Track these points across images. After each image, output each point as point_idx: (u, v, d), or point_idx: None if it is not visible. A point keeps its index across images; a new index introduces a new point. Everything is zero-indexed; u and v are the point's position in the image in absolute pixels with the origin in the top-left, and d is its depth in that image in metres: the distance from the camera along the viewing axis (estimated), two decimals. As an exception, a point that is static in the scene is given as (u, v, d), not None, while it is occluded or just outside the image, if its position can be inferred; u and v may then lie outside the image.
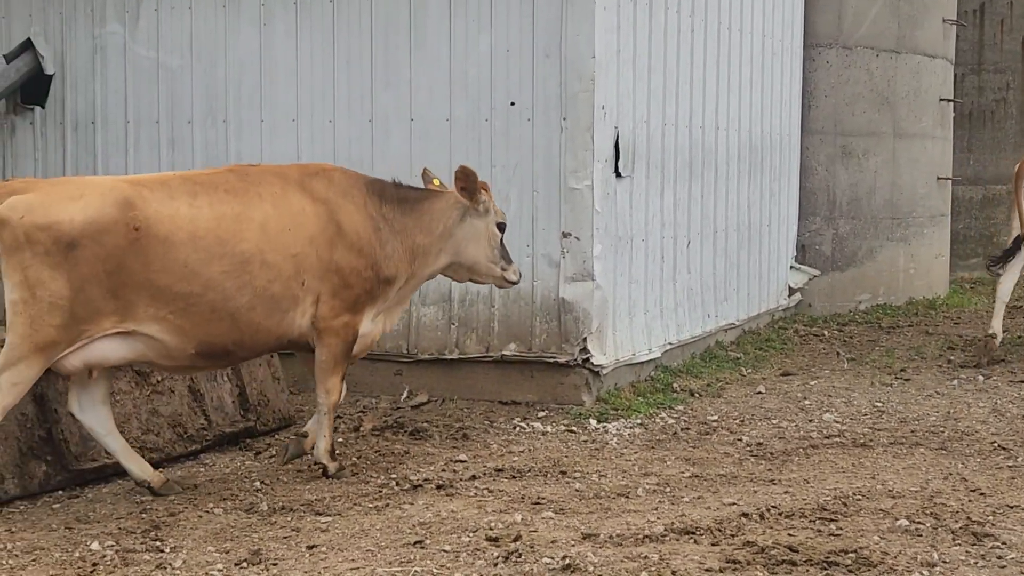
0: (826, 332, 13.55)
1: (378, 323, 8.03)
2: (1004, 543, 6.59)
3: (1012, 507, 7.26)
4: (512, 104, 9.80)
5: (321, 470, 7.95)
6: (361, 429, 9.44)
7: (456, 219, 8.12)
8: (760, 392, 10.78)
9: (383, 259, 7.91)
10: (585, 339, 9.77)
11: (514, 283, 8.20)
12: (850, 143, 15.29)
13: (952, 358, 12.21)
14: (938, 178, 15.93)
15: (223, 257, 7.40)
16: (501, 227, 8.15)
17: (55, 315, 7.06)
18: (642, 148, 10.66)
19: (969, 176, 19.08)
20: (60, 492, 7.80)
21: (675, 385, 10.77)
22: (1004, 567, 6.23)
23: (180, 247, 7.30)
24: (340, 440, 9.13)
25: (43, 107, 11.62)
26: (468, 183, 8.02)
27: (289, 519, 7.12)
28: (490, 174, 9.86)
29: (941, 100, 16.05)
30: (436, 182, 8.29)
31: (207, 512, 7.32)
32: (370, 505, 7.40)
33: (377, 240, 7.88)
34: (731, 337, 12.87)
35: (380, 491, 7.71)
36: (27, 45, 11.42)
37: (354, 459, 8.57)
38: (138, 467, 7.64)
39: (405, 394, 10.46)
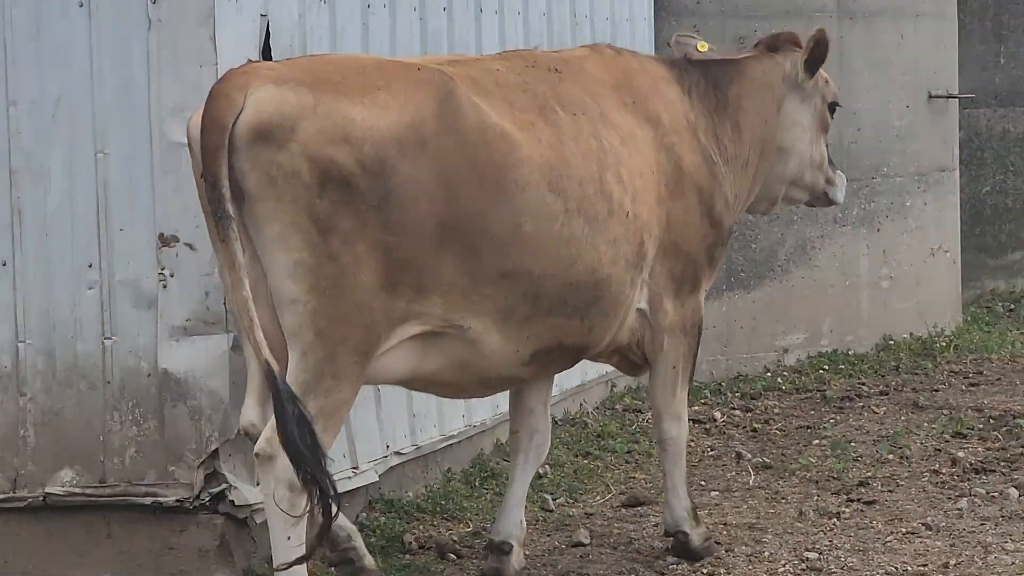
0: (717, 414, 10.20)
1: None
2: None
3: None
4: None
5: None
6: None
7: None
8: (581, 544, 7.36)
9: None
10: (216, 452, 6.84)
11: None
12: (747, 29, 11.45)
13: (960, 454, 8.95)
14: (930, 95, 12.04)
15: None
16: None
17: None
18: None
19: (1004, 90, 14.51)
20: None
21: (408, 539, 7.39)
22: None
23: None
24: None
25: None
26: None
27: None
28: (6, 116, 7.19)
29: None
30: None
31: None
32: None
33: None
34: (528, 433, 9.28)
35: None
36: None
37: None
38: None
39: None
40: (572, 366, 6.80)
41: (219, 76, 6.59)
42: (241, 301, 5.51)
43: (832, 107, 7.38)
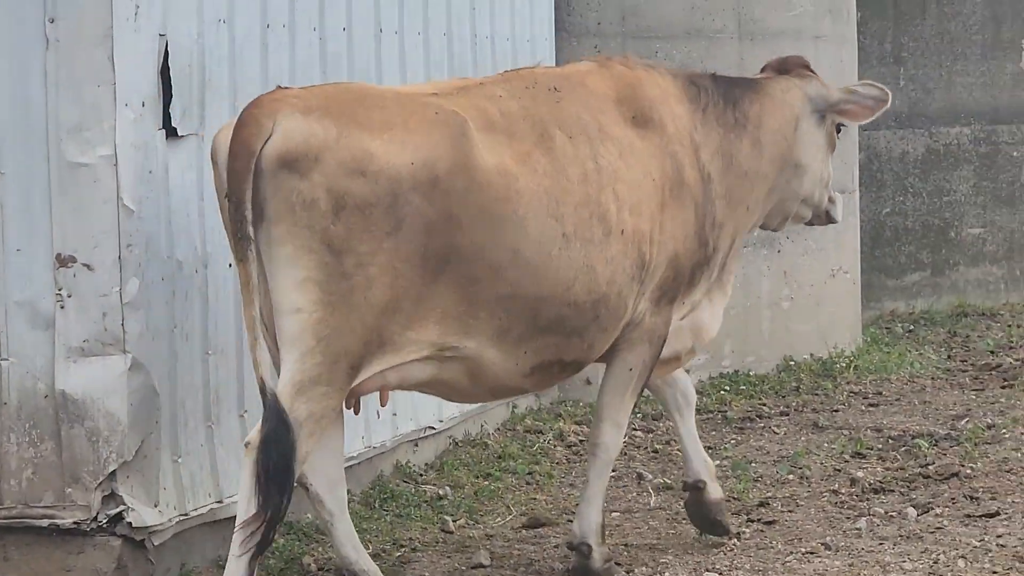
0: (618, 435, 9.52)
1: None
2: None
3: None
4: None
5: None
6: None
7: None
8: (482, 566, 7.20)
9: None
10: (114, 474, 6.75)
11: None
12: (648, 50, 11.22)
13: (859, 474, 8.76)
14: None
15: None
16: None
17: None
18: (222, 75, 7.27)
19: (903, 112, 14.33)
20: None
21: (307, 561, 7.12)
22: None
23: None
24: None
25: None
26: None
27: None
28: None
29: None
30: None
31: None
32: None
33: None
34: (428, 454, 9.23)
35: None
36: None
37: None
38: None
39: None
40: (576, 373, 6.96)
41: (116, 95, 6.53)
42: (248, 320, 5.59)
43: (839, 128, 7.50)
